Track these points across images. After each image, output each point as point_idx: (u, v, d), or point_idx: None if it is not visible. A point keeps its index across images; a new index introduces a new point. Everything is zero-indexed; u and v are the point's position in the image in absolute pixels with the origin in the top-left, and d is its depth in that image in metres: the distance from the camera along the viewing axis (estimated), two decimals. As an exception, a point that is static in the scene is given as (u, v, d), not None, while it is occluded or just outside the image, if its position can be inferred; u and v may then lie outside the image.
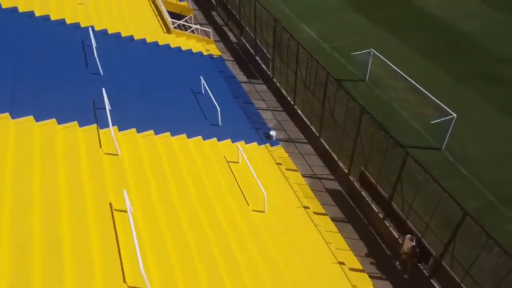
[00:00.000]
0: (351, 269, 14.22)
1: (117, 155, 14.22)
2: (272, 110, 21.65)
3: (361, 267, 14.49)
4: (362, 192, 16.83)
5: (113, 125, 14.86)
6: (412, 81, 20.20)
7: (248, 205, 14.99)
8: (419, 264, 14.39)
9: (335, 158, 18.33)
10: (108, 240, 11.36)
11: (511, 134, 19.86)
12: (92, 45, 19.19)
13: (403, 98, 21.61)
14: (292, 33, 20.54)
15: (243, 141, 18.09)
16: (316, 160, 19.04)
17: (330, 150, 18.67)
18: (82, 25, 20.78)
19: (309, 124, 19.99)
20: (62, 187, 12.16)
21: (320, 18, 28.85)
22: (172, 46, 23.23)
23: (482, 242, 11.36)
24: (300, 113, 20.68)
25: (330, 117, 18.14)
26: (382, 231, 15.89)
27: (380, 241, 15.79)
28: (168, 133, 16.49)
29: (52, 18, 20.25)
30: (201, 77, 19.71)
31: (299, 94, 20.53)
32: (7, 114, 13.63)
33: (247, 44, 25.48)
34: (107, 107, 14.86)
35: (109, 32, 21.28)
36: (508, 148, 19.19)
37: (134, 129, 15.67)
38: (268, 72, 23.31)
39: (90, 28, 19.42)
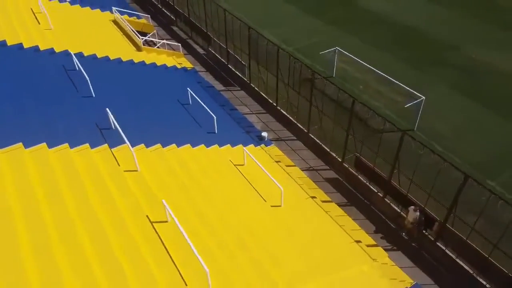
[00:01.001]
0: (368, 246, 15.58)
1: (136, 171, 14.49)
2: (256, 114, 22.66)
3: (375, 243, 15.89)
4: (359, 176, 18.31)
5: (122, 143, 15.17)
6: (380, 72, 22.22)
7: (265, 201, 15.84)
8: (424, 231, 16.05)
9: (327, 149, 19.66)
10: (158, 250, 11.75)
11: (468, 109, 22.48)
12: (75, 69, 19.21)
13: (372, 88, 23.57)
14: (256, 40, 21.83)
15: (241, 145, 18.89)
16: (308, 154, 20.30)
17: (321, 143, 19.98)
18: (57, 50, 20.53)
19: (296, 122, 21.20)
20: (98, 208, 12.31)
21: (278, 24, 30.38)
22: (147, 62, 23.49)
23: (484, 199, 13.16)
24: (285, 113, 21.85)
25: (318, 111, 19.50)
26: (384, 209, 17.44)
27: (384, 217, 17.33)
28: (174, 145, 16.95)
29: (25, 46, 19.80)
30: (188, 89, 20.24)
31: (282, 94, 21.72)
32: (20, 144, 13.43)
33: (217, 54, 26.26)
34: (118, 126, 15.05)
35: (85, 55, 21.15)
36: (468, 122, 21.70)
37: (143, 145, 15.94)
38: (244, 79, 24.27)
39: (72, 54, 19.29)
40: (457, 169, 13.89)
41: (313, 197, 17.25)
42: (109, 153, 14.92)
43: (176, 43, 27.05)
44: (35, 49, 19.93)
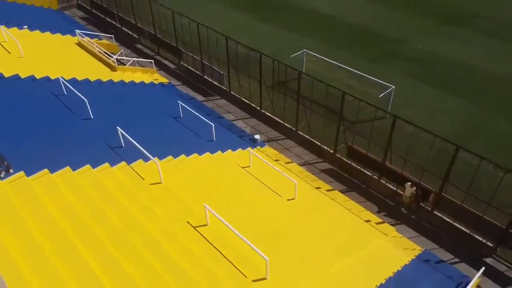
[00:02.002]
0: (377, 223, 17.12)
1: (160, 183, 14.88)
2: (242, 119, 23.60)
3: (381, 220, 17.47)
4: (353, 164, 19.89)
5: (136, 159, 15.57)
6: (349, 68, 24.21)
7: (281, 196, 16.85)
8: (422, 204, 17.89)
9: (318, 143, 21.06)
10: (209, 250, 12.34)
11: (428, 94, 25.09)
12: (63, 94, 19.05)
13: (344, 83, 25.43)
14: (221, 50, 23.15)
15: (240, 149, 19.75)
16: (300, 150, 21.60)
17: (311, 139, 21.35)
18: (38, 77, 20.15)
19: (282, 122, 22.43)
20: (143, 220, 12.65)
21: (238, 34, 31.42)
22: (126, 81, 23.56)
23: (476, 164, 15.20)
24: (270, 115, 23.00)
25: (304, 109, 20.91)
26: (381, 189, 19.12)
27: (382, 197, 19.00)
28: (183, 155, 17.43)
29: (6, 75, 19.25)
30: (179, 102, 20.72)
31: (265, 97, 22.89)
32: (46, 170, 13.35)
33: (190, 67, 26.83)
34: (136, 143, 15.33)
35: (66, 79, 20.83)
36: (431, 105, 24.26)
37: (157, 158, 16.24)
38: (223, 87, 25.10)
39: (61, 78, 19.12)
40: (449, 142, 15.85)
41: (317, 188, 18.53)
42: (129, 169, 15.19)
43: (148, 60, 27.23)
44: (16, 77, 19.46)
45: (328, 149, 20.79)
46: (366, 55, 28.99)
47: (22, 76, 19.65)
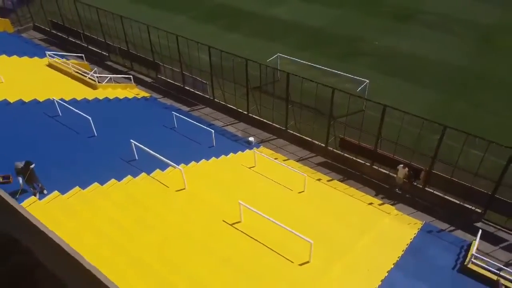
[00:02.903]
0: (379, 205, 18.62)
1: (184, 189, 15.33)
2: (231, 124, 24.35)
3: (381, 202, 19.00)
4: (345, 154, 21.34)
5: (154, 169, 15.94)
6: (323, 67, 25.81)
7: (292, 190, 17.85)
8: (414, 183, 19.66)
9: (309, 139, 22.33)
10: (251, 243, 13.05)
11: (394, 85, 27.27)
12: (58, 115, 18.88)
13: (321, 82, 26.97)
14: (194, 60, 24.15)
15: (240, 151, 20.53)
16: (293, 147, 22.75)
17: (301, 135, 22.58)
18: (26, 100, 19.71)
19: (271, 123, 23.48)
20: (184, 224, 13.09)
21: (208, 44, 32.28)
22: (110, 97, 23.50)
23: (448, 144, 17.18)
24: (258, 117, 23.96)
25: (292, 109, 22.14)
26: (375, 175, 20.71)
27: (377, 182, 20.58)
28: (194, 162, 17.91)
29: (-6, 101, 18.73)
30: (174, 113, 21.12)
31: (252, 102, 23.84)
32: (77, 188, 13.41)
33: (169, 80, 27.13)
34: (156, 154, 15.66)
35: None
36: (399, 94, 26.35)
37: (171, 167, 16.66)
38: (206, 96, 25.70)
39: (54, 99, 18.94)
40: (437, 123, 17.74)
41: (319, 180, 19.75)
42: (151, 179, 15.49)
43: (126, 76, 27.19)
44: (6, 103, 18.92)
45: (320, 143, 22.11)
46: (332, 54, 30.82)
47: (11, 101, 19.13)
